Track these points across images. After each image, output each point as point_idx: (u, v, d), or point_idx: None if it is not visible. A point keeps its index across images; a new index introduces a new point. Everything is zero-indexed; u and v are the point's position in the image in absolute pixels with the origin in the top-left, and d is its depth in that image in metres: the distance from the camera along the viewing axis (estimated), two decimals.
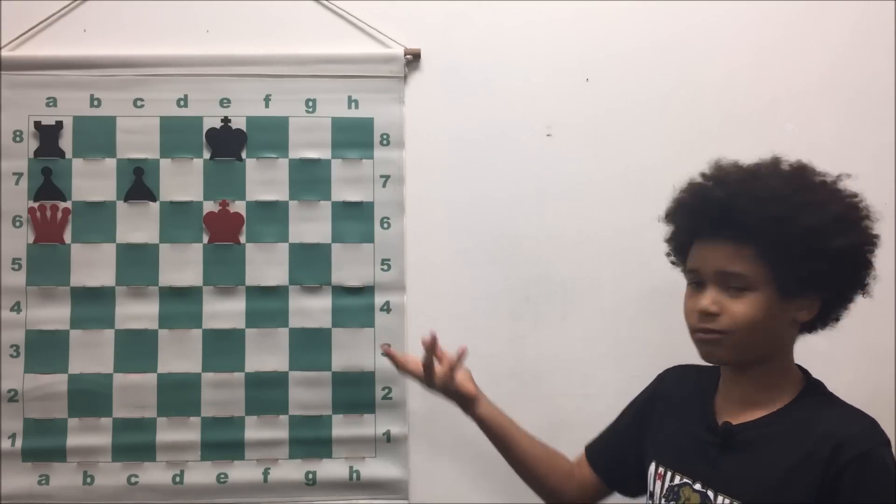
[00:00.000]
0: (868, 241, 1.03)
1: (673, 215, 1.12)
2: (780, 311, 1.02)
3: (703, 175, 1.09)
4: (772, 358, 1.05)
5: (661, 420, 1.16)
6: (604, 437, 1.26)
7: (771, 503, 0.97)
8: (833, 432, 0.96)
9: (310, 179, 1.48)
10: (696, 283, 1.06)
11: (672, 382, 1.21)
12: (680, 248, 1.13)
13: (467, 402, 1.24)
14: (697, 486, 1.04)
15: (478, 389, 1.26)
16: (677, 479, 1.07)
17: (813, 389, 1.06)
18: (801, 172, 1.05)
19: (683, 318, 1.08)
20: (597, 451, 1.25)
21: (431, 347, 1.22)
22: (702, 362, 1.10)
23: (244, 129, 1.48)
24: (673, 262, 1.18)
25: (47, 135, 1.46)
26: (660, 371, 1.24)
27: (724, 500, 1.01)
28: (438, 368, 1.23)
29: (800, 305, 1.03)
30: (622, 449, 1.21)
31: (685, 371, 1.20)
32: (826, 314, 1.06)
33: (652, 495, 1.11)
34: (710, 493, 1.02)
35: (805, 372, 1.08)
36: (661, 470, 1.10)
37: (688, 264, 1.09)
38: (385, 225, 1.48)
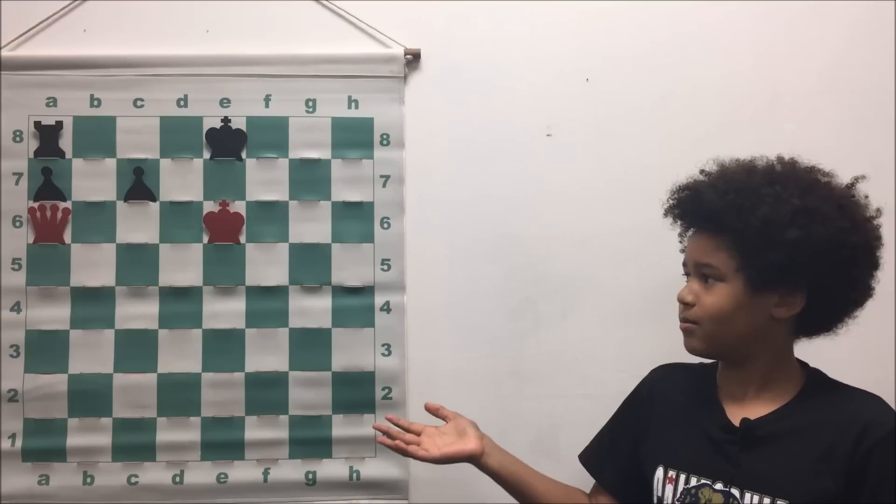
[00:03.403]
0: (838, 237, 0.98)
1: (668, 212, 1.15)
2: (751, 305, 1.02)
3: (700, 172, 1.13)
4: (757, 355, 1.05)
5: (662, 421, 1.15)
6: (599, 441, 1.24)
7: (805, 492, 0.97)
8: (856, 416, 0.99)
9: (310, 179, 1.47)
10: (686, 275, 1.10)
11: (665, 382, 1.19)
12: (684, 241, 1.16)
13: (474, 459, 1.15)
14: (719, 486, 1.03)
15: (484, 441, 1.17)
16: (693, 481, 1.05)
17: (815, 379, 1.07)
18: (780, 167, 1.06)
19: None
20: (594, 457, 1.23)
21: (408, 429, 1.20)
22: (688, 360, 1.11)
23: (244, 129, 1.48)
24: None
25: (47, 135, 1.46)
26: None
27: (752, 497, 1.00)
28: (435, 435, 1.17)
29: (777, 301, 1.02)
30: (619, 451, 1.20)
31: (675, 370, 1.20)
32: (818, 316, 1.05)
33: (661, 501, 1.08)
34: (736, 492, 1.01)
35: (803, 364, 1.09)
36: (671, 474, 1.08)
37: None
38: (385, 225, 1.48)
